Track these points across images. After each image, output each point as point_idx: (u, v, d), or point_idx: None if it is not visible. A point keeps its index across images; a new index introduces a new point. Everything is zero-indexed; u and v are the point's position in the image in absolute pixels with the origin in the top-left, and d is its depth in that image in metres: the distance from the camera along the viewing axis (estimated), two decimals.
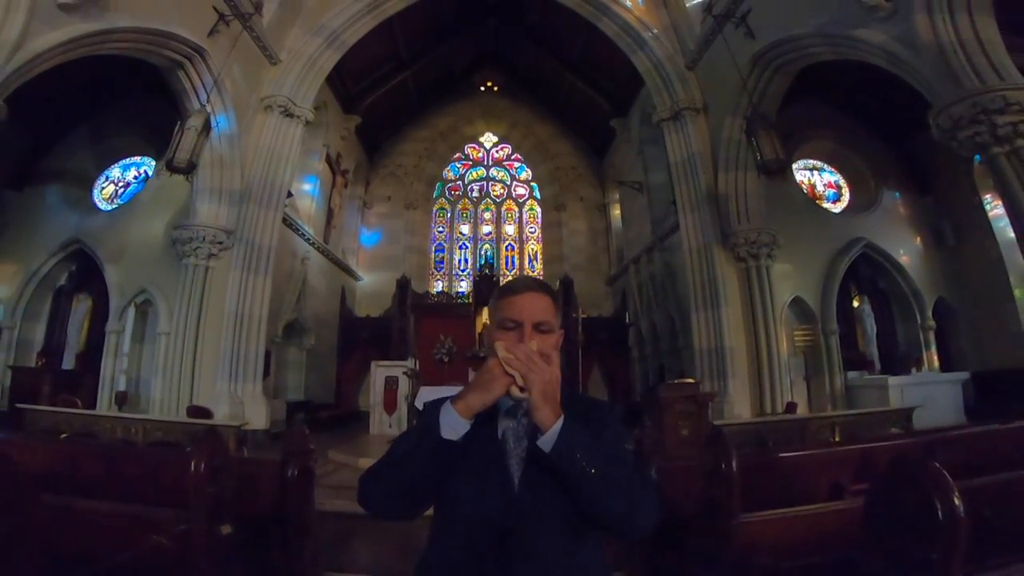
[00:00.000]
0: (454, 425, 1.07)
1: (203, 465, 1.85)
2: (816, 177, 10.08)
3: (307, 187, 11.19)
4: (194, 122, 6.57)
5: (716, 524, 1.88)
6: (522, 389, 1.07)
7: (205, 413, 5.83)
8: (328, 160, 12.24)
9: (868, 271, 8.90)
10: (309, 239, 10.57)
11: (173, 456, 2.67)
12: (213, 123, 7.19)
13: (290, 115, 8.94)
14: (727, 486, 1.87)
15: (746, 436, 5.07)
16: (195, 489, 1.84)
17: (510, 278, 12.86)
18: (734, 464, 1.88)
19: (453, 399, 1.10)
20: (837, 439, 5.07)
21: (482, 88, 16.10)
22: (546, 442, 1.04)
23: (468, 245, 15.83)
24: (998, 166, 4.61)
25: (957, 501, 1.10)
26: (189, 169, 6.35)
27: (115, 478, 2.75)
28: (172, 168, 6.26)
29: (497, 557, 1.07)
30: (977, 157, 8.54)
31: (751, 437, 4.95)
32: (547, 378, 1.07)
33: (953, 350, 8.94)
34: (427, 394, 7.40)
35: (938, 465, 1.16)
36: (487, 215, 16.17)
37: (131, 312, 7.62)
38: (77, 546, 2.03)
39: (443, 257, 15.64)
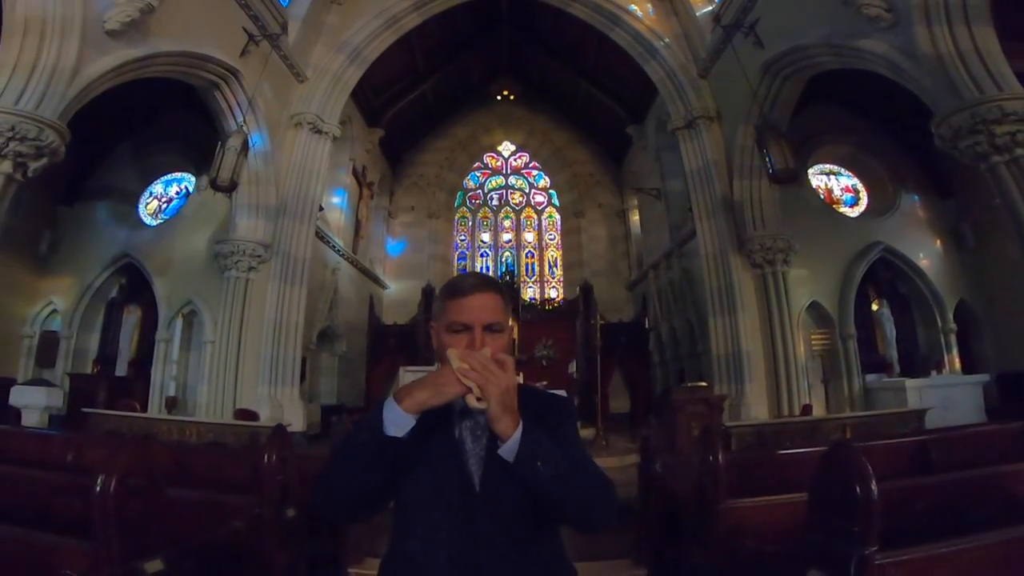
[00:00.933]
0: (398, 421, 1.05)
1: (274, 456, 2.21)
2: (833, 181, 10.15)
3: (336, 200, 11.70)
4: (233, 143, 7.03)
5: (705, 509, 2.17)
6: (479, 399, 1.06)
7: (252, 415, 6.30)
8: (355, 173, 12.75)
9: (887, 275, 8.96)
10: (339, 250, 11.07)
11: (243, 451, 3.05)
12: (249, 142, 7.70)
13: (319, 131, 9.38)
14: (714, 475, 2.16)
15: (759, 436, 5.28)
16: (267, 477, 2.20)
17: (460, 272, 13.01)
18: (720, 456, 2.17)
19: (398, 395, 1.08)
20: (848, 439, 5.25)
21: (498, 97, 16.38)
22: (508, 451, 1.05)
23: (489, 253, 16.21)
24: (998, 175, 4.73)
25: (873, 487, 1.38)
26: (232, 188, 6.82)
27: (183, 471, 3.15)
28: (216, 187, 6.75)
29: (460, 552, 1.09)
30: None
31: (763, 438, 5.16)
32: (504, 387, 1.06)
33: (975, 352, 8.94)
34: None
35: (861, 455, 1.44)
36: (507, 223, 16.54)
37: (178, 322, 8.18)
38: (165, 531, 2.43)
39: (465, 265, 16.02)
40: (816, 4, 6.52)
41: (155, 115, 9.88)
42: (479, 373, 1.06)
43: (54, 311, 9.07)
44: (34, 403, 6.78)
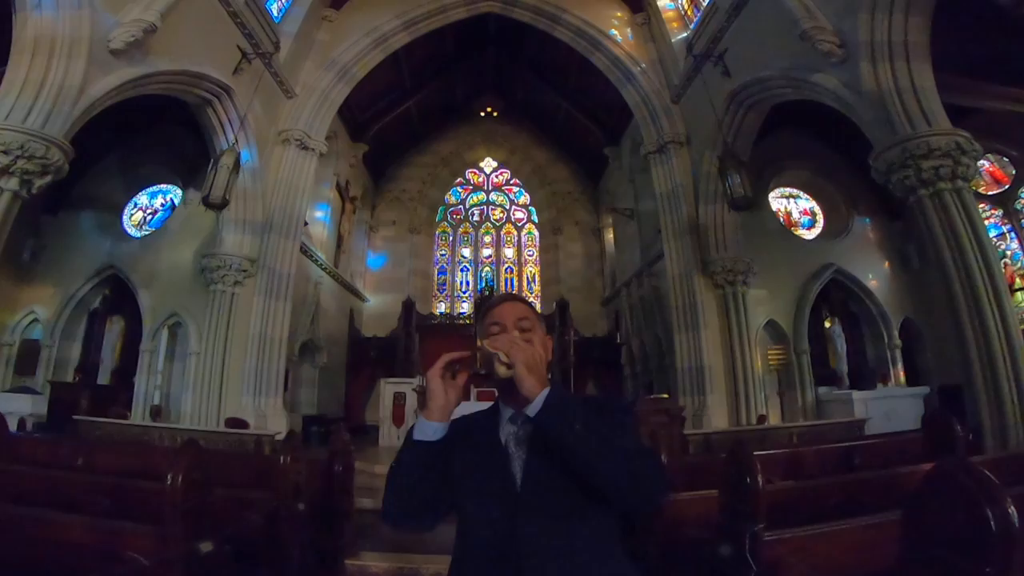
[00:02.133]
0: (423, 428, 1.19)
1: (289, 458, 2.56)
2: (792, 205, 10.80)
3: (319, 214, 11.96)
4: (226, 161, 7.24)
5: None
6: (509, 367, 1.14)
7: (242, 424, 6.55)
8: (338, 188, 13.05)
9: (839, 295, 9.62)
10: (322, 264, 11.33)
11: (250, 454, 3.36)
12: (240, 159, 7.94)
13: (305, 148, 9.62)
14: None
15: (708, 444, 5.77)
16: (283, 474, 2.54)
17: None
18: (663, 456, 2.60)
19: (421, 404, 1.39)
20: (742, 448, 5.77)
21: (482, 114, 16.69)
22: (533, 408, 1.11)
23: (469, 268, 16.55)
24: (923, 207, 5.17)
25: (760, 478, 1.82)
26: (223, 205, 7.08)
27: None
28: (208, 204, 7.00)
29: (503, 551, 1.13)
30: None
31: (710, 445, 5.64)
32: (528, 352, 1.15)
33: (919, 366, 9.63)
34: None
35: (753, 455, 1.88)
36: (487, 239, 16.92)
37: (164, 333, 8.35)
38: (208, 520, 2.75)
39: (445, 279, 16.35)
40: (778, 37, 6.90)
41: (142, 126, 9.96)
42: (505, 343, 1.17)
43: (35, 320, 9.11)
44: (18, 410, 6.88)
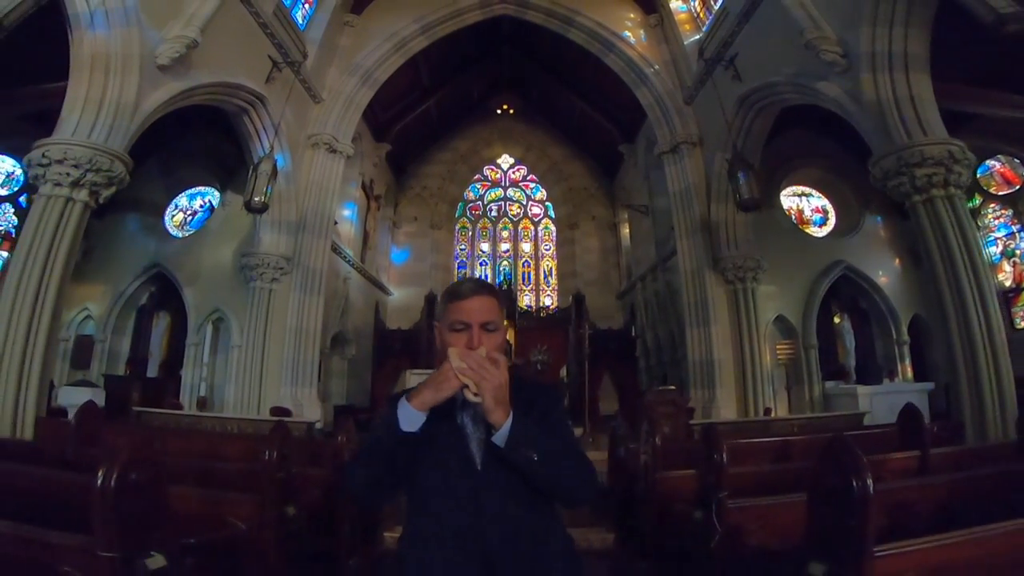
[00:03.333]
0: (411, 418, 1.22)
1: (345, 438, 3.07)
2: (804, 202, 11.01)
3: (347, 212, 12.52)
4: (265, 167, 7.74)
5: (647, 478, 3.04)
6: (475, 393, 1.21)
7: (285, 412, 7.15)
8: (363, 187, 13.59)
9: (849, 291, 9.87)
10: (349, 260, 11.91)
11: (312, 437, 3.90)
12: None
13: (334, 151, 10.13)
14: (653, 451, 3.03)
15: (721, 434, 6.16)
16: (337, 453, 3.06)
17: (461, 277, 13.75)
18: (658, 439, 3.04)
19: (408, 395, 1.25)
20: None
21: (498, 112, 17.10)
22: (500, 438, 1.21)
23: (488, 262, 17.09)
24: (916, 213, 5.49)
25: (725, 454, 2.26)
26: (263, 209, 7.62)
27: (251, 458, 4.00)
28: (250, 209, 7.56)
29: (466, 525, 1.24)
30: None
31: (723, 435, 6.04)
32: (497, 383, 1.21)
33: (929, 362, 9.84)
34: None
35: (719, 434, 2.32)
36: (505, 234, 17.41)
37: (208, 328, 9.01)
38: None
39: (465, 273, 16.81)
40: (785, 44, 7.05)
41: (178, 131, 10.54)
42: (475, 371, 1.21)
43: (88, 316, 9.86)
44: (81, 403, 7.56)
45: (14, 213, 9.95)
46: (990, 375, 4.69)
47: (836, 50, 6.25)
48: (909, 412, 3.78)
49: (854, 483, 1.44)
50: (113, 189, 5.94)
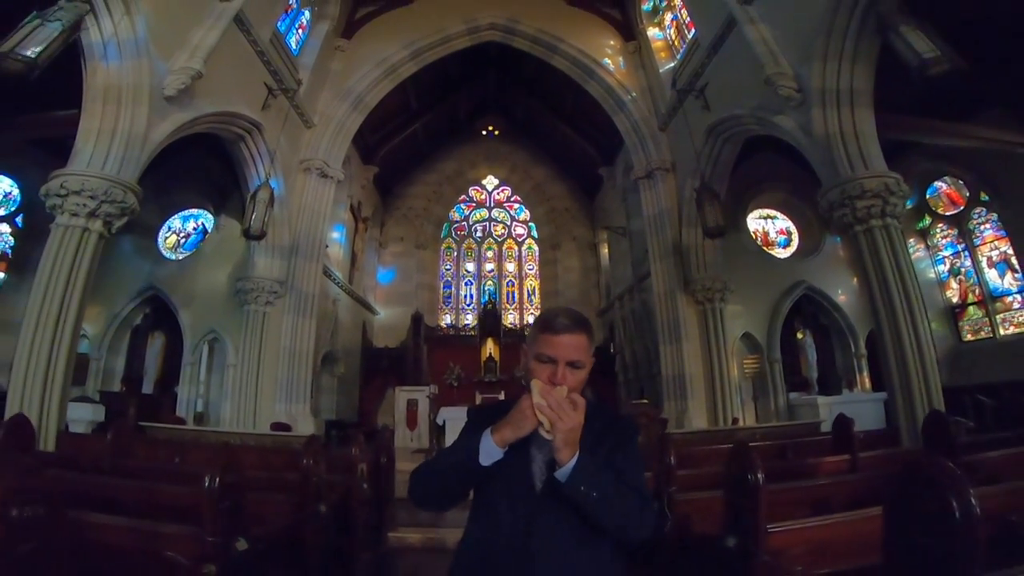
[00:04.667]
0: (491, 453, 1.28)
1: (359, 450, 3.53)
2: (769, 225, 11.73)
3: (335, 235, 12.94)
4: (262, 196, 8.16)
5: None
6: (548, 431, 1.24)
7: (285, 427, 7.53)
8: (352, 209, 14.02)
9: (810, 308, 10.59)
10: (338, 282, 12.32)
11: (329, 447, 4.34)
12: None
13: (325, 176, 10.51)
14: None
15: (690, 442, 6.72)
16: (354, 463, 3.51)
17: (551, 308, 14.07)
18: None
19: (493, 430, 1.29)
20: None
21: (484, 132, 17.63)
22: (562, 475, 1.24)
23: (473, 281, 17.56)
24: (857, 241, 6.06)
25: (672, 457, 2.79)
26: (262, 236, 8.02)
27: (266, 466, 4.43)
28: (248, 236, 7.97)
29: (518, 540, 1.28)
30: (908, 202, 10.19)
31: (691, 444, 6.60)
32: (570, 426, 1.24)
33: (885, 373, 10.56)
34: (446, 412, 9.09)
35: (669, 440, 2.85)
36: (489, 254, 17.94)
37: (204, 348, 9.34)
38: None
39: (450, 293, 17.37)
40: (748, 79, 7.41)
41: (173, 152, 10.76)
42: (553, 411, 1.24)
43: (83, 336, 10.07)
44: (82, 417, 7.84)
45: (11, 234, 10.09)
46: (920, 386, 5.32)
47: (792, 85, 6.67)
48: (842, 421, 4.35)
49: (748, 476, 1.97)
50: (125, 219, 6.29)
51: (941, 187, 10.84)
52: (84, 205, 5.80)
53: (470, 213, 18.43)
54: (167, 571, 1.97)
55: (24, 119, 7.71)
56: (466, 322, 16.67)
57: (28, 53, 5.02)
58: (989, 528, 2.17)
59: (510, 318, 17.04)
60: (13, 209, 10.19)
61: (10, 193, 10.19)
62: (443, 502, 1.39)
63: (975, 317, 10.09)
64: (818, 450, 4.56)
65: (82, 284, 5.65)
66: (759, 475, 1.96)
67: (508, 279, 17.71)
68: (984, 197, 9.92)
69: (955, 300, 10.49)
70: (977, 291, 10.07)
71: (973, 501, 1.19)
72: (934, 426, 3.74)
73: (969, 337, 10.18)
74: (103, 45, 5.97)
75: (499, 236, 18.18)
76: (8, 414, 5.04)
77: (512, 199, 18.60)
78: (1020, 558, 1.66)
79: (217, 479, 1.98)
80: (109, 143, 6.04)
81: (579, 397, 1.32)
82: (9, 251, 10.04)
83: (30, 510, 1.15)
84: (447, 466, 1.37)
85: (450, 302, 17.29)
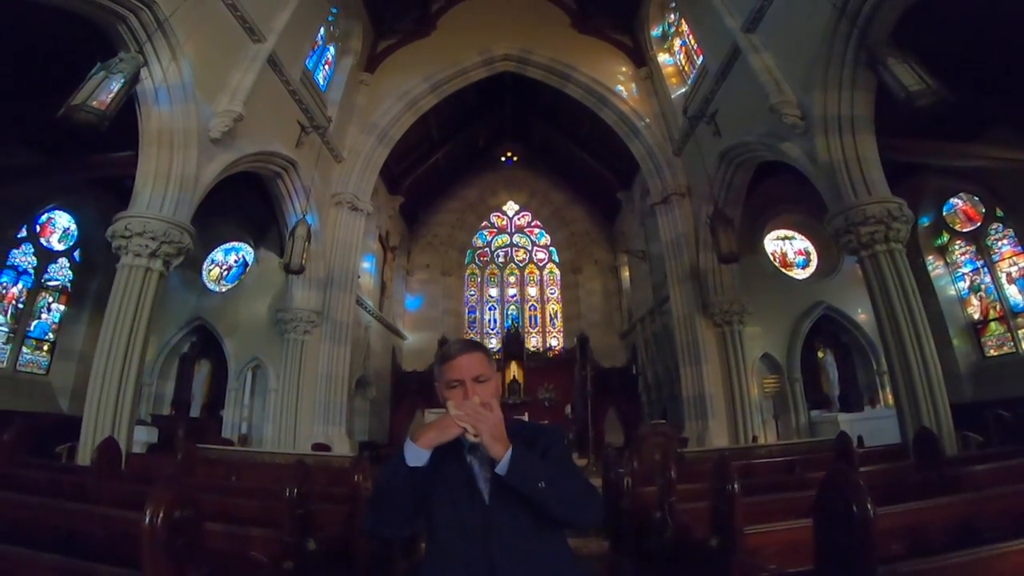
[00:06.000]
0: (416, 455, 1.35)
1: (361, 476, 3.97)
2: (787, 246, 11.88)
3: (366, 265, 13.56)
4: (300, 232, 8.80)
5: (630, 493, 3.90)
6: (475, 435, 1.33)
7: (325, 448, 8.05)
8: (380, 239, 14.72)
9: (830, 328, 10.71)
10: (370, 310, 12.95)
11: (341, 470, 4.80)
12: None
13: (355, 209, 11.14)
14: (633, 473, 3.90)
15: (707, 459, 6.96)
16: (356, 490, 3.94)
17: (451, 341, 14.41)
18: (636, 463, 3.92)
19: (414, 435, 1.38)
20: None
21: (503, 159, 18.26)
22: (501, 468, 1.33)
23: (496, 307, 18.08)
24: (864, 266, 6.30)
25: (673, 471, 3.14)
26: (300, 271, 8.65)
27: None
28: (289, 271, 8.61)
29: (483, 553, 1.34)
30: (924, 219, 10.36)
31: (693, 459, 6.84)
32: (492, 422, 1.34)
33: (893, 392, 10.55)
34: None
35: (672, 457, 3.21)
36: (512, 279, 18.45)
37: (248, 374, 9.98)
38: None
39: (475, 318, 17.91)
40: (756, 105, 7.53)
41: (214, 188, 11.46)
42: (471, 415, 1.34)
43: None
44: (140, 439, 8.46)
45: (69, 268, 10.79)
46: (927, 403, 5.51)
47: (796, 113, 6.85)
48: (843, 437, 4.61)
49: (727, 486, 2.34)
50: (181, 258, 6.85)
51: (957, 204, 10.83)
52: (146, 246, 6.31)
53: (492, 239, 18.99)
54: (251, 569, 2.41)
55: (85, 160, 8.20)
56: (490, 346, 17.08)
57: (96, 105, 5.42)
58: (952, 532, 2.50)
59: (533, 341, 17.41)
60: (71, 244, 10.92)
61: (68, 228, 10.90)
62: (394, 521, 1.41)
63: (997, 332, 10.04)
64: (824, 466, 4.80)
65: (146, 319, 6.25)
66: (734, 485, 2.32)
67: (530, 303, 18.15)
68: (1000, 213, 9.96)
69: (976, 316, 10.46)
70: (998, 307, 10.04)
71: (869, 506, 1.52)
72: (923, 442, 3.99)
73: (992, 352, 10.13)
74: (155, 91, 6.40)
75: (521, 261, 18.67)
76: (83, 438, 5.69)
77: (532, 224, 19.11)
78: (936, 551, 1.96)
79: (295, 490, 2.43)
80: (165, 186, 6.49)
81: (492, 400, 1.45)
82: (68, 285, 10.80)
83: (185, 512, 1.59)
84: (385, 481, 1.42)
85: (475, 327, 17.79)
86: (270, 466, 5.80)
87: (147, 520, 1.49)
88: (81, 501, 3.20)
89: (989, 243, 10.25)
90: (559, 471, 1.38)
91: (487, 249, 18.84)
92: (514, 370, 14.56)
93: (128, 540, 2.40)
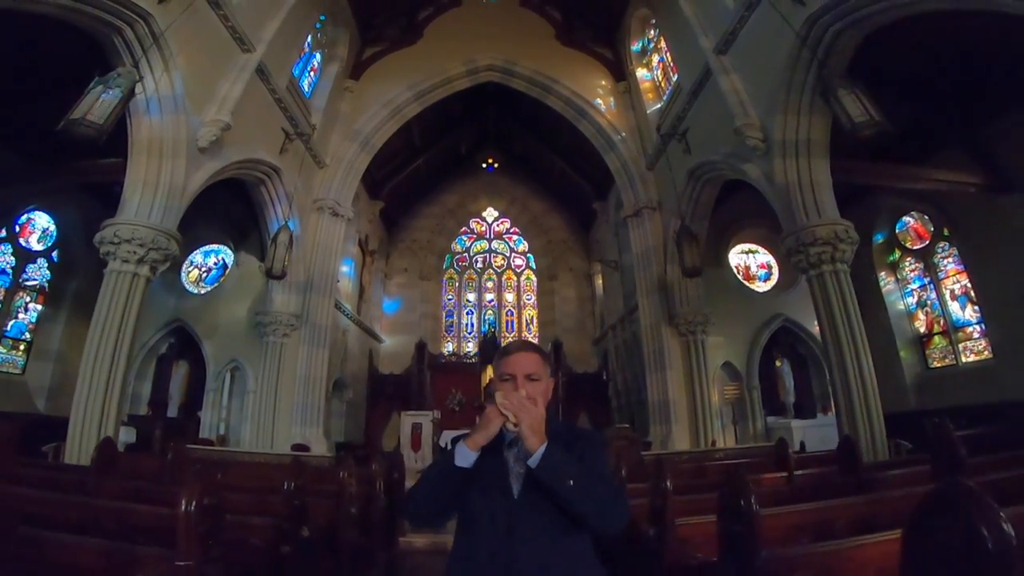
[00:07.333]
0: (465, 456, 1.46)
1: (347, 473, 4.31)
2: (751, 259, 12.47)
3: (345, 269, 13.75)
4: (282, 238, 9.05)
5: None
6: (515, 424, 1.40)
7: (304, 448, 8.29)
8: (360, 243, 14.93)
9: (787, 339, 11.36)
10: (348, 314, 13.16)
11: (328, 469, 5.12)
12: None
13: (336, 215, 11.34)
14: None
15: (670, 461, 7.44)
16: (374, 478, 4.28)
17: (510, 340, 14.94)
18: (624, 472, 4.36)
19: (464, 438, 1.48)
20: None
21: (484, 165, 18.55)
22: (533, 460, 1.39)
23: (474, 311, 18.40)
24: (811, 285, 6.82)
25: (624, 471, 3.55)
26: (282, 276, 8.90)
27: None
28: (271, 276, 8.85)
29: (505, 547, 1.41)
30: (879, 236, 10.97)
31: (673, 462, 7.32)
32: (533, 415, 1.42)
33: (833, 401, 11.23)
34: (448, 435, 9.81)
35: (663, 465, 3.63)
36: (489, 284, 18.78)
37: (226, 376, 10.13)
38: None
39: (452, 322, 18.17)
40: (724, 126, 7.87)
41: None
42: (514, 405, 1.43)
43: None
44: (119, 439, 8.59)
45: (48, 268, 10.77)
46: (863, 412, 6.08)
47: (758, 136, 7.24)
48: (781, 443, 5.10)
49: (661, 485, 2.76)
50: (167, 264, 7.11)
51: (909, 222, 11.47)
52: (134, 252, 6.53)
53: (471, 244, 19.30)
54: (253, 553, 2.74)
55: (72, 166, 8.25)
56: (467, 350, 17.44)
57: (94, 118, 5.62)
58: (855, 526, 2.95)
59: None
60: (50, 244, 10.89)
61: (48, 229, 10.89)
62: (433, 511, 1.53)
63: (940, 346, 10.79)
64: (761, 468, 5.30)
65: (133, 322, 6.47)
66: (666, 484, 2.74)
67: (507, 308, 18.53)
68: (947, 232, 10.67)
69: (922, 330, 11.21)
70: (942, 322, 10.78)
71: (752, 500, 1.92)
72: (843, 448, 4.50)
73: (936, 364, 10.88)
74: (147, 101, 6.58)
75: (499, 267, 19.02)
76: (70, 438, 5.87)
77: (511, 231, 19.47)
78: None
79: (293, 484, 2.78)
80: (153, 194, 6.69)
81: (539, 398, 1.54)
82: (46, 285, 10.80)
83: (209, 499, 1.93)
84: (433, 475, 1.54)
85: (452, 331, 18.07)
86: (252, 464, 6.07)
87: (182, 507, 1.83)
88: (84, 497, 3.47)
89: (936, 261, 10.94)
90: (589, 472, 1.43)
91: (466, 254, 19.15)
92: (490, 374, 14.89)
93: (140, 529, 2.72)
